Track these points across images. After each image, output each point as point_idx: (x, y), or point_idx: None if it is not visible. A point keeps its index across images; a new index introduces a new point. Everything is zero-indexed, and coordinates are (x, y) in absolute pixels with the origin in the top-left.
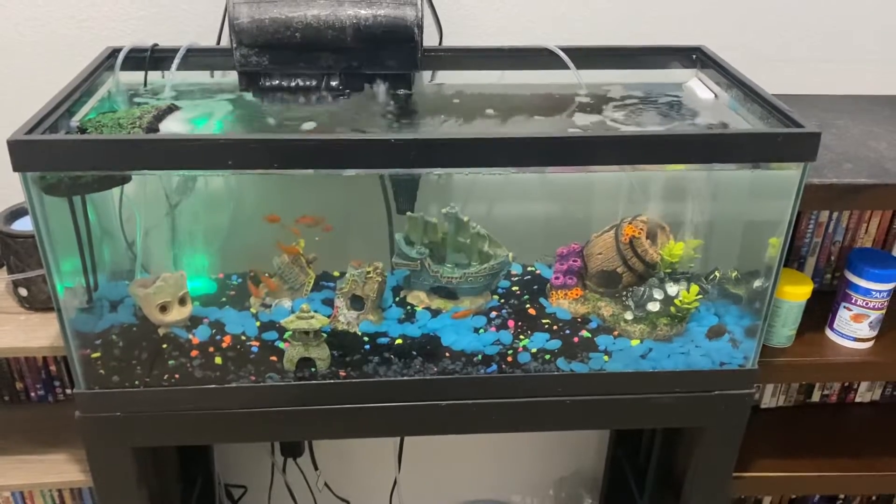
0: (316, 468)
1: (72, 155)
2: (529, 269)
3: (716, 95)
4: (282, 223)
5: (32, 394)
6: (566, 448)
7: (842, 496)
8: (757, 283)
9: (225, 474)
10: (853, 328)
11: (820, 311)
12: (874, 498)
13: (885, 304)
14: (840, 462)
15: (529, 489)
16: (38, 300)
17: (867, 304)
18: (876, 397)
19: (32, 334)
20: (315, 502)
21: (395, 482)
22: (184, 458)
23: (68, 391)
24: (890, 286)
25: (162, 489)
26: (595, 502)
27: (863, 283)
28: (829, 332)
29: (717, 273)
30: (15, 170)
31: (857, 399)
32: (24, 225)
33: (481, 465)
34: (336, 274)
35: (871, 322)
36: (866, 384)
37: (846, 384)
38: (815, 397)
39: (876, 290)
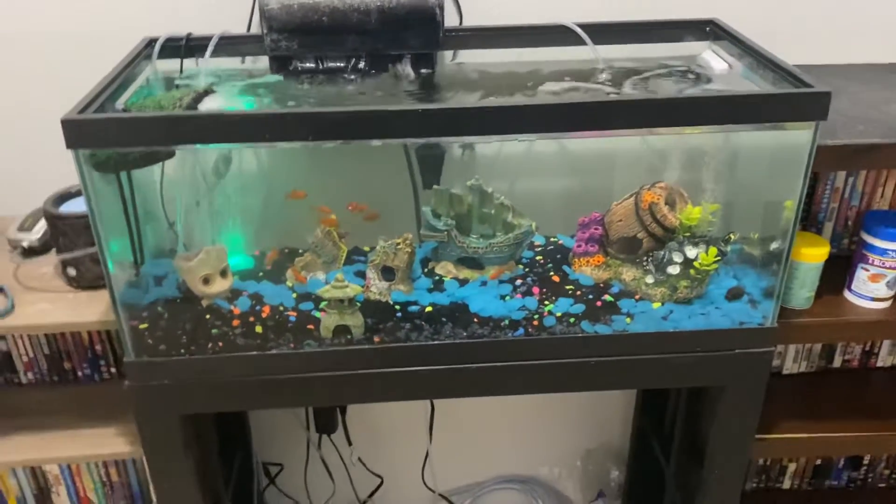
0: (350, 443)
1: (120, 131)
2: (552, 239)
3: (730, 66)
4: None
5: (80, 373)
6: (592, 421)
7: (866, 462)
8: (774, 245)
9: (262, 453)
10: (870, 288)
11: (838, 275)
12: None
13: None
14: (863, 424)
15: (557, 462)
16: (85, 279)
17: (884, 263)
18: None
19: (82, 310)
20: (350, 478)
21: (426, 455)
22: (223, 438)
23: (113, 370)
24: None
25: (206, 467)
26: (622, 474)
27: (878, 244)
28: (847, 294)
29: (731, 236)
30: (68, 146)
31: (879, 364)
32: (71, 207)
33: (510, 440)
34: (367, 249)
35: (888, 281)
36: (887, 348)
37: (867, 348)
38: (837, 363)
39: (892, 250)
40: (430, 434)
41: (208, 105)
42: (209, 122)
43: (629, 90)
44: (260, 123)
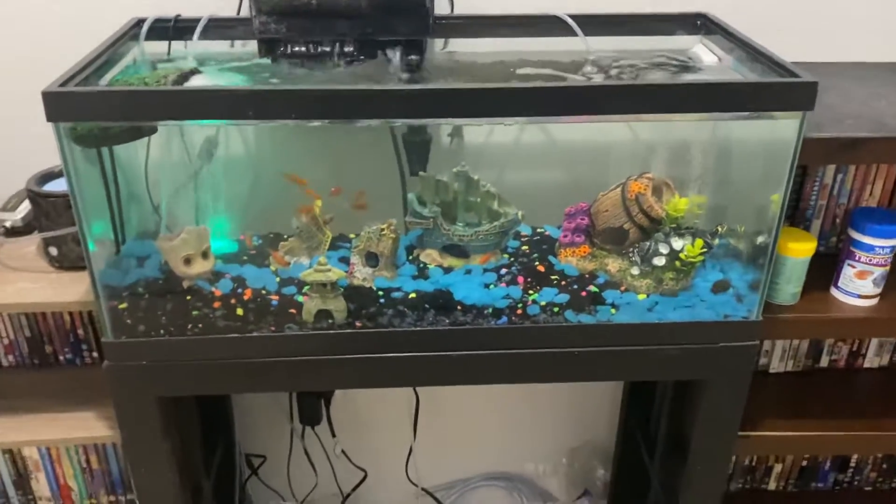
0: (333, 436)
1: (101, 105)
2: (539, 230)
3: (720, 59)
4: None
5: (61, 357)
6: (578, 419)
7: (852, 463)
8: (760, 239)
9: (245, 444)
10: (857, 285)
11: (826, 273)
12: (884, 466)
13: (889, 260)
14: (848, 423)
15: (542, 459)
16: (68, 259)
17: (871, 260)
18: (885, 363)
19: (63, 290)
20: (333, 471)
21: (410, 451)
22: (205, 427)
23: (95, 354)
24: (892, 242)
25: (186, 456)
26: (607, 472)
27: (866, 240)
28: (833, 291)
29: (719, 228)
30: (48, 119)
31: (866, 364)
32: (54, 186)
33: (495, 436)
34: (352, 235)
35: (874, 279)
36: (874, 349)
37: (854, 349)
38: (824, 362)
39: (879, 247)
40: (415, 429)
41: (193, 84)
42: (191, 98)
43: (611, 77)
44: (243, 100)
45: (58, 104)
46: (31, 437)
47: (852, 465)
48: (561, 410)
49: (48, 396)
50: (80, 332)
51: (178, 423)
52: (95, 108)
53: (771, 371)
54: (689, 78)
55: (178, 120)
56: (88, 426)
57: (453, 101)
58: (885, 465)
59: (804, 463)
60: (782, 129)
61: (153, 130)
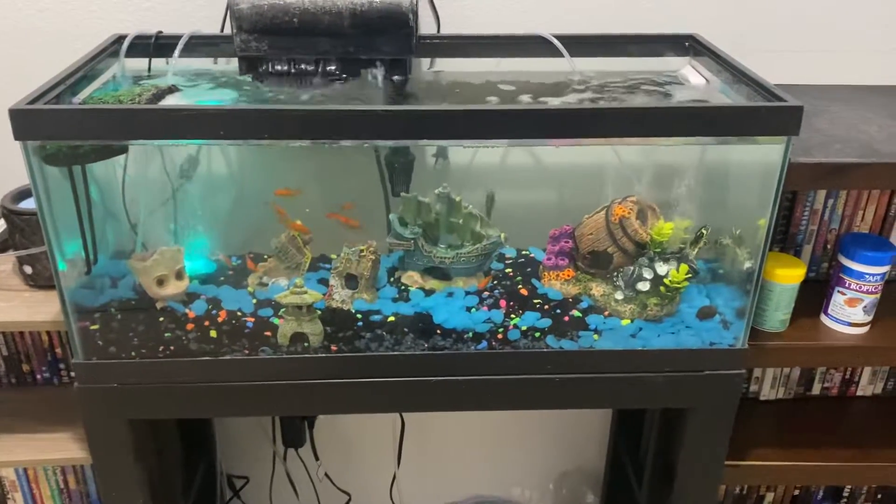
0: (317, 458)
1: (71, 124)
2: (524, 252)
3: (707, 81)
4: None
5: (38, 376)
6: (567, 444)
7: (846, 493)
8: (747, 265)
9: (227, 465)
10: (847, 313)
11: (815, 300)
12: (879, 496)
13: (879, 287)
14: (840, 453)
15: (530, 484)
16: (42, 277)
17: (861, 287)
18: (878, 391)
19: (36, 309)
20: (316, 494)
21: (394, 476)
22: (186, 447)
23: (73, 374)
24: (883, 269)
25: (163, 477)
26: (597, 498)
27: (856, 267)
28: (823, 318)
29: (703, 231)
30: (16, 138)
31: (859, 392)
32: (30, 204)
33: (482, 459)
34: (333, 256)
35: (865, 306)
36: (867, 377)
37: (847, 376)
38: (816, 390)
39: (869, 274)
40: (400, 452)
41: (170, 103)
42: (160, 118)
43: (596, 99)
44: (214, 120)
45: (25, 122)
46: (5, 458)
47: (846, 494)
48: (550, 434)
49: (24, 416)
50: (58, 350)
51: (155, 443)
52: (63, 127)
53: (762, 398)
54: (673, 101)
55: (148, 139)
56: (65, 447)
57: (435, 123)
58: (879, 496)
59: (796, 492)
60: (768, 153)
61: (124, 149)
